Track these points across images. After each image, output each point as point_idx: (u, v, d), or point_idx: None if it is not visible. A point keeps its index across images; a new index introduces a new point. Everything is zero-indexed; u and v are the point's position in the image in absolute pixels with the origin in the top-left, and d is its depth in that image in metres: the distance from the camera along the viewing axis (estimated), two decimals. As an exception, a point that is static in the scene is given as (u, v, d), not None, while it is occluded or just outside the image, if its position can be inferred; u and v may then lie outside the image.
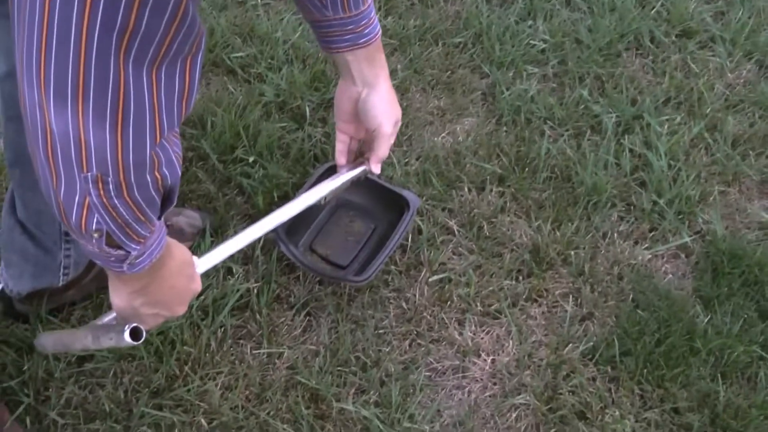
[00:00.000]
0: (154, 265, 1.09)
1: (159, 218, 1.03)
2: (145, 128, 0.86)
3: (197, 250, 1.86)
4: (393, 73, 2.33)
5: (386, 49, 2.35)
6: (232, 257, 1.65)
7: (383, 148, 1.60)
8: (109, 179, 0.88)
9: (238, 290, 1.82)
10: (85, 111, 0.81)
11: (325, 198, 1.62)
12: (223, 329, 1.78)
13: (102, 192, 0.89)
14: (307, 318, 1.83)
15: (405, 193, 1.92)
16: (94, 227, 0.94)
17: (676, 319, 1.86)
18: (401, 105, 2.20)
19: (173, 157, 0.95)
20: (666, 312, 1.87)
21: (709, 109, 2.34)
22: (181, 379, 1.70)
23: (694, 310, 1.91)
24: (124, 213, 0.94)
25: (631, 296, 1.93)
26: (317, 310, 1.84)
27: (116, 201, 0.91)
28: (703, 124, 2.29)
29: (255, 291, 1.83)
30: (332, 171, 1.66)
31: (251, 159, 2.05)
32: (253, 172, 2.03)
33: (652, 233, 2.06)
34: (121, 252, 1.00)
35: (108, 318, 1.28)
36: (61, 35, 0.76)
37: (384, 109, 1.56)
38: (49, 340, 1.38)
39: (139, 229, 0.98)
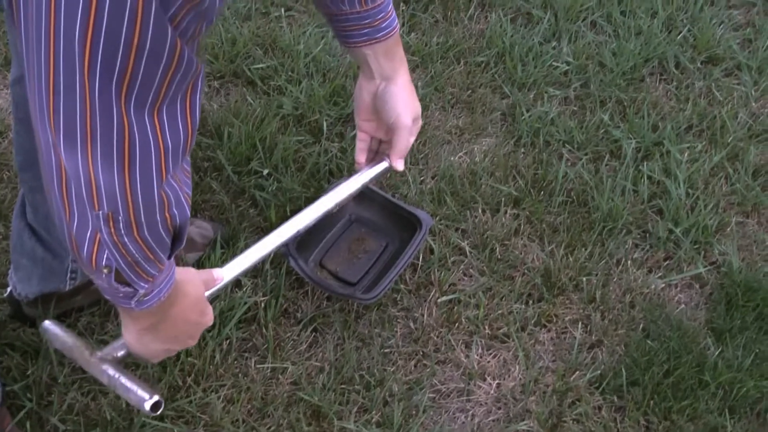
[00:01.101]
0: (164, 304, 1.11)
1: (169, 258, 1.04)
2: (151, 168, 0.89)
3: (207, 261, 1.86)
4: (413, 90, 2.33)
5: (408, 66, 2.36)
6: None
7: (403, 142, 1.57)
8: (120, 217, 0.90)
9: (245, 303, 1.81)
10: (93, 153, 0.84)
11: (346, 199, 1.60)
12: (228, 341, 1.77)
13: (113, 230, 0.91)
14: (314, 334, 1.82)
15: (418, 212, 1.91)
16: (104, 263, 0.96)
17: (687, 351, 1.84)
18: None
19: (182, 198, 0.97)
20: (676, 343, 1.85)
21: (731, 138, 2.31)
22: (184, 390, 1.69)
23: (705, 342, 1.89)
24: (134, 251, 0.96)
25: (641, 325, 1.91)
26: (324, 327, 1.83)
27: (126, 239, 0.93)
28: (724, 153, 2.26)
29: (262, 304, 1.83)
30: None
31: (266, 171, 2.05)
32: (268, 184, 2.03)
33: (667, 262, 2.04)
34: (130, 289, 1.02)
35: (118, 348, 1.28)
36: (67, 82, 0.79)
37: (403, 100, 1.54)
38: (57, 338, 1.37)
39: (148, 268, 1.00)
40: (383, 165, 1.61)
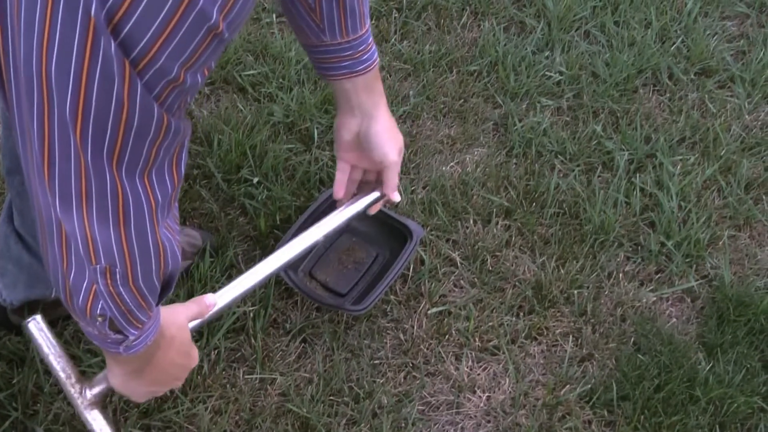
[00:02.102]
0: (149, 348, 1.12)
1: (157, 305, 1.08)
2: (145, 223, 0.92)
3: (196, 269, 1.85)
4: (405, 99, 2.32)
5: (400, 74, 2.36)
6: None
7: (393, 178, 1.58)
8: (117, 270, 0.93)
9: (234, 313, 1.80)
10: (89, 214, 0.87)
11: (333, 232, 1.60)
12: (216, 352, 1.76)
13: (109, 281, 0.94)
14: (303, 345, 1.81)
15: (409, 222, 1.90)
16: (98, 312, 0.98)
17: (678, 366, 1.83)
18: (412, 132, 2.20)
19: (175, 247, 1.01)
20: (667, 357, 1.84)
21: (724, 151, 2.30)
22: (171, 400, 1.68)
23: (696, 356, 1.88)
24: (128, 300, 0.98)
25: (632, 339, 1.90)
26: (313, 337, 1.82)
27: (122, 289, 0.96)
28: (717, 166, 2.26)
29: (251, 314, 1.81)
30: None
31: (256, 180, 2.04)
32: (257, 193, 2.01)
33: (658, 275, 2.03)
34: (120, 336, 1.04)
35: (99, 387, 1.28)
36: (61, 152, 0.81)
37: (387, 139, 1.54)
38: (41, 344, 1.34)
39: (140, 315, 1.02)
40: (375, 194, 1.61)
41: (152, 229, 0.93)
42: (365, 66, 1.46)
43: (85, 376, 1.29)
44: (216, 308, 1.36)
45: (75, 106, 0.77)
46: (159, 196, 0.91)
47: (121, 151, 0.82)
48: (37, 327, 1.31)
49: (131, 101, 0.78)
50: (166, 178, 0.92)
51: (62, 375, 1.28)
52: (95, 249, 0.90)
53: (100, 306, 0.97)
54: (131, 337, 1.05)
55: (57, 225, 0.88)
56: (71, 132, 0.79)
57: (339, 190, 1.61)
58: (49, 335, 1.30)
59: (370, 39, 1.47)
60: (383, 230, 1.93)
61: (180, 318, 1.26)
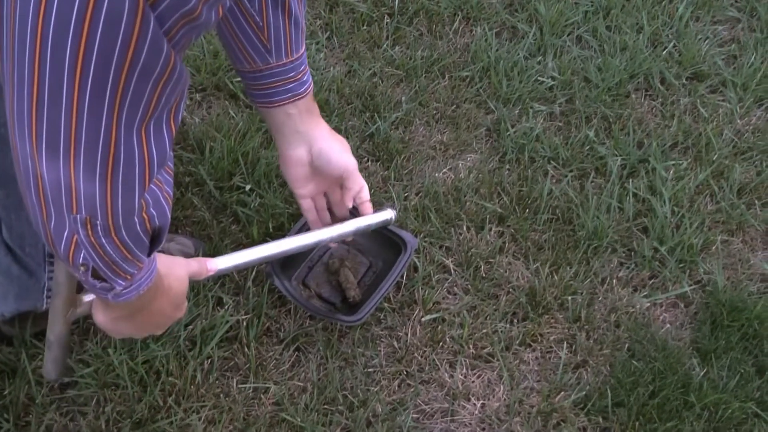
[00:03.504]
0: (143, 297, 1.11)
1: (148, 256, 1.05)
2: (134, 180, 0.90)
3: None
4: (397, 105, 2.31)
5: (392, 80, 2.36)
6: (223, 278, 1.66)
7: (358, 182, 1.59)
8: (98, 222, 0.91)
9: (227, 322, 1.79)
10: (76, 164, 0.84)
11: (337, 239, 1.64)
12: (210, 361, 1.75)
13: (90, 232, 0.92)
14: (296, 353, 1.80)
15: (403, 233, 1.90)
16: (80, 261, 0.97)
17: (672, 371, 1.83)
18: (404, 138, 2.20)
19: (161, 198, 0.98)
20: (662, 363, 1.84)
21: (716, 156, 2.31)
22: (165, 410, 1.67)
23: (690, 362, 1.88)
24: (111, 252, 0.96)
25: (627, 345, 1.90)
26: (307, 346, 1.81)
27: (104, 240, 0.94)
28: (710, 171, 2.26)
29: (244, 323, 1.80)
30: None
31: (248, 187, 2.03)
32: (250, 200, 2.00)
33: (652, 281, 2.03)
34: (107, 284, 1.03)
35: (81, 311, 1.27)
36: (52, 96, 0.78)
37: (339, 149, 1.56)
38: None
39: (126, 267, 1.01)
40: (387, 214, 1.68)
41: (141, 187, 0.91)
42: (306, 87, 1.49)
43: (76, 297, 1.28)
44: (215, 273, 1.38)
45: (77, 40, 0.74)
46: (154, 154, 0.89)
47: (123, 95, 0.80)
48: None
49: (141, 36, 0.75)
50: (164, 131, 0.90)
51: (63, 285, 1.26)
52: (77, 199, 0.88)
53: (82, 255, 0.95)
54: (118, 288, 1.04)
55: (34, 176, 0.86)
56: (68, 72, 0.76)
57: (317, 226, 1.66)
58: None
59: (306, 59, 1.50)
60: (376, 240, 1.92)
61: (180, 271, 1.26)
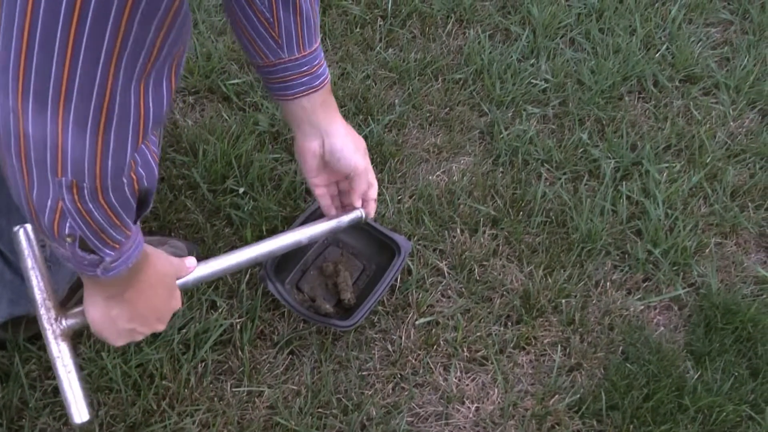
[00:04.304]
0: (132, 270, 1.07)
1: (135, 222, 1.01)
2: (127, 136, 0.86)
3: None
4: (391, 107, 2.31)
5: (385, 83, 2.35)
6: (213, 284, 1.66)
7: (363, 185, 1.60)
8: (85, 185, 0.86)
9: (221, 325, 1.79)
10: (65, 117, 0.79)
11: (312, 239, 1.62)
12: (204, 364, 1.75)
13: (76, 197, 0.88)
14: (290, 356, 1.80)
15: (396, 237, 1.90)
16: (66, 232, 0.92)
17: (666, 374, 1.83)
18: (398, 141, 2.19)
19: (149, 158, 0.94)
20: (656, 366, 1.84)
21: (709, 158, 2.31)
22: (158, 414, 1.66)
23: (684, 365, 1.88)
24: (99, 217, 0.92)
25: (621, 348, 1.90)
26: (301, 349, 1.80)
27: (91, 205, 0.90)
28: (703, 174, 2.26)
29: (238, 326, 1.80)
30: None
31: (242, 190, 2.02)
32: (243, 203, 2.00)
33: (646, 284, 2.03)
34: (95, 257, 0.98)
35: (75, 320, 1.21)
36: (44, 42, 0.73)
37: (351, 149, 1.56)
38: (26, 256, 1.24)
39: (114, 234, 0.97)
40: (357, 213, 1.66)
41: (133, 144, 0.87)
42: (321, 80, 1.48)
43: (63, 306, 1.22)
44: (192, 276, 1.33)
45: None
46: (151, 111, 0.85)
47: (124, 39, 0.75)
48: (25, 236, 1.23)
49: None
50: (164, 86, 0.86)
51: (39, 295, 1.21)
52: (63, 159, 0.83)
53: (68, 225, 0.91)
54: (108, 259, 0.99)
55: (16, 134, 0.80)
56: (65, 12, 0.71)
57: (330, 212, 1.66)
58: (37, 250, 1.23)
59: (322, 53, 1.49)
60: (370, 244, 1.93)
61: (164, 256, 1.23)
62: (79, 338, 1.74)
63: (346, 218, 1.65)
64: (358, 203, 1.64)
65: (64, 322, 1.21)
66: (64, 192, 0.86)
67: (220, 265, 1.41)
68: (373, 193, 1.64)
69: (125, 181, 0.91)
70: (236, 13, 1.42)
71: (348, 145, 1.55)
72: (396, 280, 1.90)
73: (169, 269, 1.24)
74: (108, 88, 0.79)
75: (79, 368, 1.22)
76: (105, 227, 0.94)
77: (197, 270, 1.35)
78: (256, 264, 1.60)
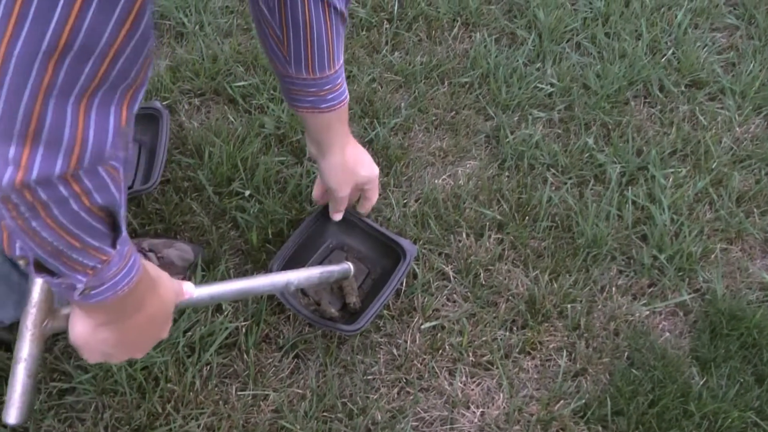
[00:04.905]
0: (131, 298, 1.02)
1: (113, 246, 0.92)
2: (56, 157, 0.76)
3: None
4: (396, 111, 2.31)
5: (391, 86, 2.35)
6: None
7: (337, 206, 1.75)
8: (17, 201, 0.78)
9: (226, 328, 1.79)
10: None
11: (300, 285, 1.64)
12: (209, 367, 1.75)
13: (15, 214, 0.79)
14: (295, 360, 1.79)
15: (402, 241, 1.89)
16: (17, 252, 0.88)
17: (671, 380, 1.83)
18: (404, 144, 2.19)
19: (108, 181, 0.84)
20: (661, 372, 1.84)
21: (715, 164, 2.30)
22: (163, 417, 1.66)
23: (689, 371, 1.87)
24: (49, 238, 0.83)
25: (626, 354, 1.89)
26: (306, 353, 1.80)
27: (34, 224, 0.81)
28: (709, 179, 2.25)
29: (243, 330, 1.80)
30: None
31: (247, 193, 2.02)
32: (249, 206, 2.00)
33: (651, 289, 2.03)
34: (63, 280, 0.91)
35: (58, 325, 1.16)
36: None
37: (336, 177, 1.66)
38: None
39: (81, 259, 0.88)
40: (345, 266, 1.77)
41: (64, 165, 0.77)
42: (329, 105, 1.48)
43: (54, 310, 1.17)
44: (184, 303, 1.27)
45: None
46: (90, 137, 0.76)
47: (66, 46, 0.68)
48: None
49: None
50: (111, 114, 0.77)
51: (37, 296, 1.15)
52: None
53: (18, 246, 0.85)
54: (79, 286, 0.91)
55: None
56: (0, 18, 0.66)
57: (315, 194, 1.80)
58: None
59: (339, 80, 1.48)
60: (375, 247, 1.92)
61: (167, 281, 1.17)
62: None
63: (336, 269, 1.74)
64: (334, 216, 1.80)
65: (48, 324, 1.16)
66: (2, 209, 0.79)
67: (211, 292, 1.37)
68: (365, 208, 1.81)
69: (73, 203, 0.81)
70: (256, 16, 1.42)
71: (333, 174, 1.63)
72: (402, 284, 1.90)
73: (171, 297, 1.18)
74: (37, 107, 0.71)
75: (36, 376, 1.16)
76: (62, 250, 0.86)
77: (197, 293, 1.31)
78: (246, 298, 1.67)
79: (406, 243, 1.89)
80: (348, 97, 1.53)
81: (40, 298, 1.16)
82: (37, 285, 1.16)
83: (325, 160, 1.60)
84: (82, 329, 1.08)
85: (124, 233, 0.94)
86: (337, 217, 1.80)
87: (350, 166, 1.64)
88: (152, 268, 1.13)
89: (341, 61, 1.48)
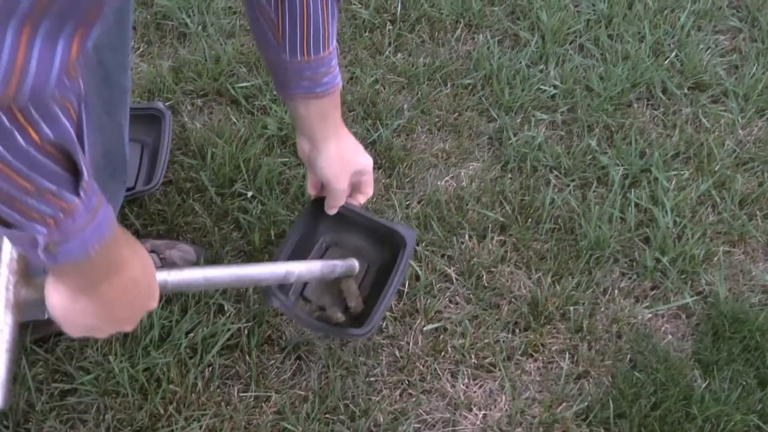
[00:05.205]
0: (106, 258, 0.93)
1: (75, 194, 0.83)
2: None
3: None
4: (399, 112, 2.31)
5: (394, 87, 2.35)
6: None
7: (335, 200, 1.60)
8: None
9: (228, 329, 1.78)
10: None
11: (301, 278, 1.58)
12: (211, 369, 1.74)
13: None
14: (298, 362, 1.79)
15: (398, 227, 1.73)
16: None
17: (674, 383, 1.82)
18: (406, 146, 2.19)
19: (60, 114, 0.76)
20: (663, 375, 1.83)
21: (718, 166, 2.30)
22: (165, 418, 1.66)
23: (692, 374, 1.87)
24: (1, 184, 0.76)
25: (629, 356, 1.89)
26: (308, 354, 1.80)
27: None
28: (711, 182, 2.25)
29: (246, 331, 1.80)
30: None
31: (250, 194, 2.02)
32: (252, 207, 2.00)
33: (654, 292, 2.02)
34: (23, 233, 0.83)
35: (33, 294, 1.06)
36: None
37: (332, 169, 1.54)
38: None
39: (37, 205, 0.80)
40: (350, 263, 1.66)
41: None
42: (324, 90, 1.43)
43: (29, 277, 1.08)
44: (174, 278, 1.19)
45: None
46: (32, 69, 0.69)
47: None
48: None
49: None
50: (58, 47, 0.70)
51: (7, 256, 1.05)
52: None
53: None
54: (40, 239, 0.82)
55: None
56: None
57: (310, 189, 1.65)
58: None
59: (333, 62, 1.43)
60: (372, 239, 1.79)
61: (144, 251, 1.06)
62: (86, 341, 1.74)
63: (339, 265, 1.65)
64: (330, 210, 1.65)
65: (22, 291, 1.06)
66: None
67: (206, 275, 1.29)
68: (361, 200, 1.67)
69: (22, 142, 0.73)
70: (250, 3, 1.39)
71: (333, 166, 1.53)
72: (405, 281, 1.89)
73: (150, 262, 1.07)
74: None
75: (16, 349, 1.07)
76: (14, 195, 0.77)
77: (181, 273, 1.22)
78: (239, 286, 1.58)
79: (402, 229, 1.73)
80: (341, 82, 1.47)
81: (11, 258, 1.06)
82: (6, 244, 1.06)
83: (320, 153, 1.51)
84: (58, 298, 1.00)
85: (91, 183, 0.85)
86: (333, 211, 1.66)
87: (347, 156, 1.56)
88: (131, 236, 1.03)
89: (335, 43, 1.43)
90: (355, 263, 1.67)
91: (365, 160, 1.59)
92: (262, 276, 1.45)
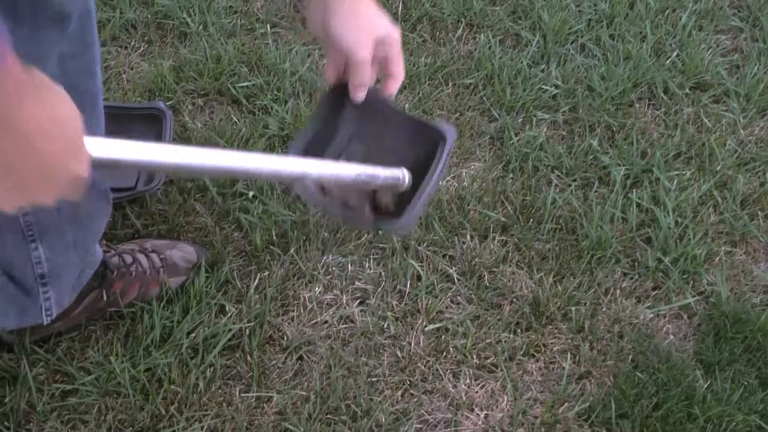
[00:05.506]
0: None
1: None
2: None
3: (191, 286, 1.82)
4: (401, 112, 2.30)
5: (395, 87, 2.33)
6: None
7: (359, 77, 1.29)
8: None
9: (230, 330, 1.78)
10: None
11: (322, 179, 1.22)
12: (212, 369, 1.74)
13: None
14: (299, 362, 1.79)
15: (436, 124, 1.36)
16: None
17: (675, 383, 1.82)
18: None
19: None
20: (665, 375, 1.83)
21: (719, 166, 2.30)
22: (167, 419, 1.66)
23: (693, 374, 1.87)
24: None
25: (630, 356, 1.89)
26: (309, 354, 1.80)
27: None
28: (713, 182, 2.25)
29: (247, 331, 1.80)
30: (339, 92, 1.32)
31: (251, 194, 2.02)
32: (253, 207, 1.99)
33: (655, 292, 2.02)
34: None
35: None
36: None
37: (351, 33, 1.25)
38: None
39: None
40: (396, 173, 1.30)
41: None
42: None
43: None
44: (117, 149, 0.87)
45: None
46: None
47: None
48: None
49: None
50: None
51: None
52: None
53: None
54: None
55: None
56: None
57: (329, 72, 1.34)
58: None
59: None
60: (403, 136, 1.39)
61: (70, 102, 0.80)
62: (87, 342, 1.74)
63: (382, 175, 1.28)
64: (356, 94, 1.32)
65: None
66: None
67: (175, 158, 0.96)
68: (392, 86, 1.34)
69: None
70: None
71: (346, 29, 1.25)
72: (444, 174, 1.67)
73: (74, 113, 0.80)
74: None
75: None
76: None
77: (132, 146, 0.89)
78: (224, 176, 1.26)
79: (442, 125, 1.37)
80: None
81: None
82: None
83: (335, 15, 1.23)
84: None
85: None
86: (360, 94, 1.31)
87: (368, 17, 1.28)
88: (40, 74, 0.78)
89: None
90: (403, 175, 1.31)
91: (390, 26, 1.30)
92: (264, 171, 1.12)
